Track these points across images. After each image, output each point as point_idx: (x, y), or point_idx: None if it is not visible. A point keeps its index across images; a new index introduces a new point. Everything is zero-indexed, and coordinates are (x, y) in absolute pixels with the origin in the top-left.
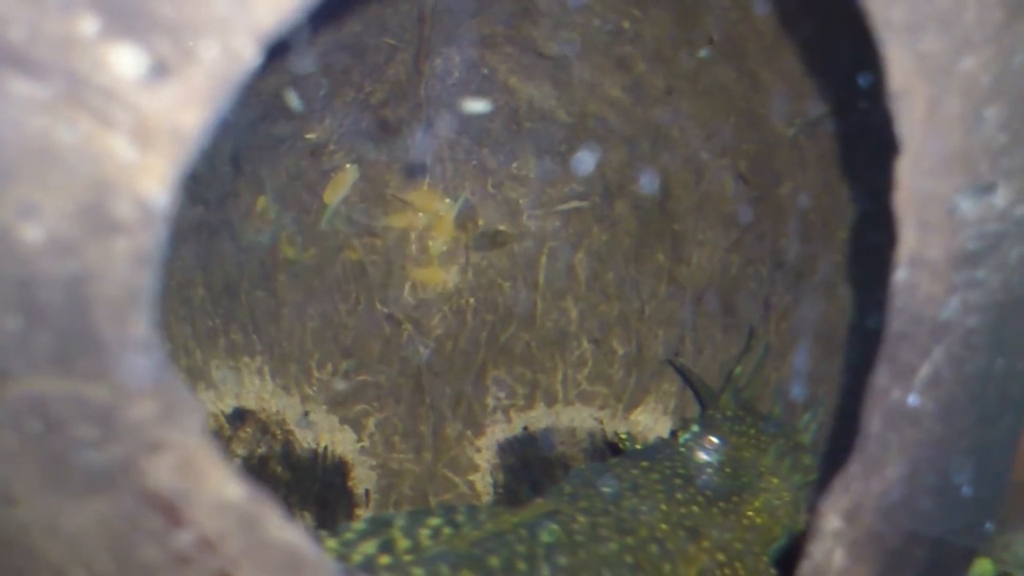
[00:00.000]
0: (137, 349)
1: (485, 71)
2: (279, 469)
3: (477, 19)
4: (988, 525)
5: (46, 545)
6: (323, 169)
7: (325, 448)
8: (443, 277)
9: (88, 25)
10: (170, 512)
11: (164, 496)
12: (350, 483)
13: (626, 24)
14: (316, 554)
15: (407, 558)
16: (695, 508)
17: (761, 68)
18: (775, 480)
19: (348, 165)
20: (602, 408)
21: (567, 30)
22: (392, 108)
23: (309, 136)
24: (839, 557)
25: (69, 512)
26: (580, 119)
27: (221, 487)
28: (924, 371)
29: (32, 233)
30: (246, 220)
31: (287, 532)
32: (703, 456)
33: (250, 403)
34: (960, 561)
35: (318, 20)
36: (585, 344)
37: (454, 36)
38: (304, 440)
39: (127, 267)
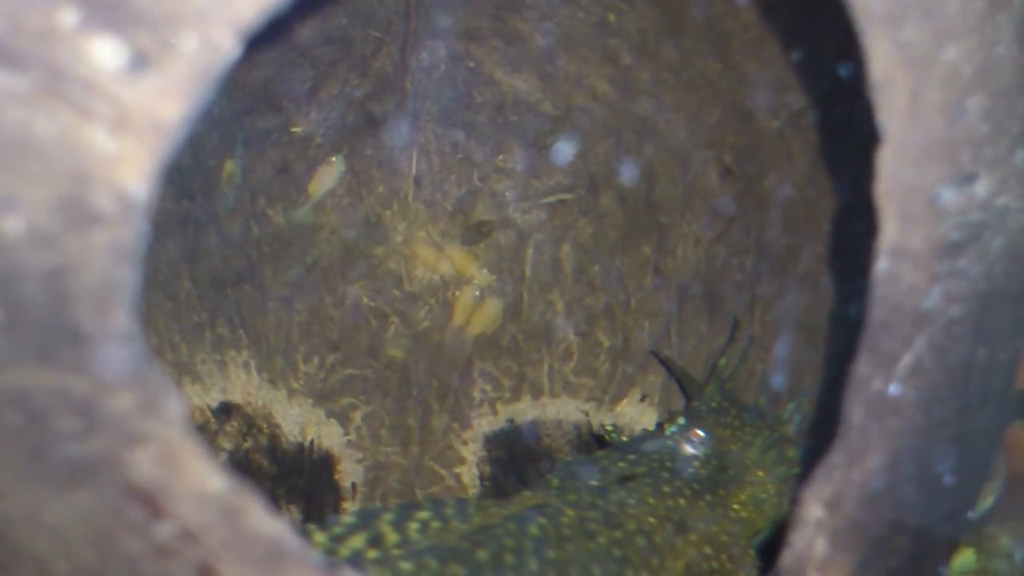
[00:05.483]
0: (117, 341)
1: (471, 64)
2: (265, 463)
3: (463, 11)
4: (970, 514)
5: (29, 538)
6: (309, 162)
7: (311, 442)
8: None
9: (68, 17)
10: (151, 504)
11: (145, 488)
12: (337, 476)
13: (611, 17)
14: (298, 546)
15: (396, 552)
16: (682, 501)
17: (746, 60)
18: (760, 473)
19: (334, 158)
20: (588, 400)
21: (553, 23)
22: (378, 101)
23: (295, 129)
24: (821, 546)
25: (51, 505)
26: (566, 112)
27: (202, 479)
28: (906, 361)
29: (11, 225)
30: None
31: (269, 524)
32: (689, 449)
33: (236, 397)
34: (942, 550)
35: (302, 12)
36: (571, 336)
37: (440, 29)
38: (290, 434)
39: (107, 259)
